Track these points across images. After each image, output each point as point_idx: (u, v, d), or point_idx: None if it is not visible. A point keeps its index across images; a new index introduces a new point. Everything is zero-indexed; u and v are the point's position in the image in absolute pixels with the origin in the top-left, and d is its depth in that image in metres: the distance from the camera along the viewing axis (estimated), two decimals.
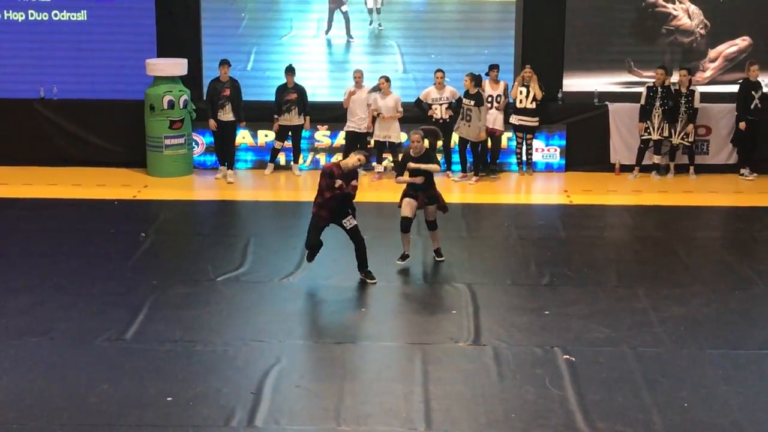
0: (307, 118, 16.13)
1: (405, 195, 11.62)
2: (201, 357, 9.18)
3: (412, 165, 11.42)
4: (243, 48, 16.98)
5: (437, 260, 11.83)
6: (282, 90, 16.07)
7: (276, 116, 16.08)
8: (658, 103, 15.96)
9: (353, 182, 10.92)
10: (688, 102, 15.92)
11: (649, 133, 16.09)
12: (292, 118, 16.07)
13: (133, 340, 9.57)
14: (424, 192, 11.53)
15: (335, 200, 10.85)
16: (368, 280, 11.09)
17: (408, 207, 11.52)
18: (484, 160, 16.20)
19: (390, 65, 16.96)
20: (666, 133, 16.06)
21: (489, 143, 16.17)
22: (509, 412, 8.22)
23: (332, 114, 16.54)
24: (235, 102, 15.89)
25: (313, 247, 11.19)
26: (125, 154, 16.64)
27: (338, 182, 10.74)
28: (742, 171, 16.10)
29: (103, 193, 15.09)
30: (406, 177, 11.52)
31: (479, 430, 7.97)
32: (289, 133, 16.22)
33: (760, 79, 15.91)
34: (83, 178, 15.95)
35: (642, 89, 16.18)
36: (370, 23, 16.98)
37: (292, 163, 16.43)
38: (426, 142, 11.73)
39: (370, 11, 16.99)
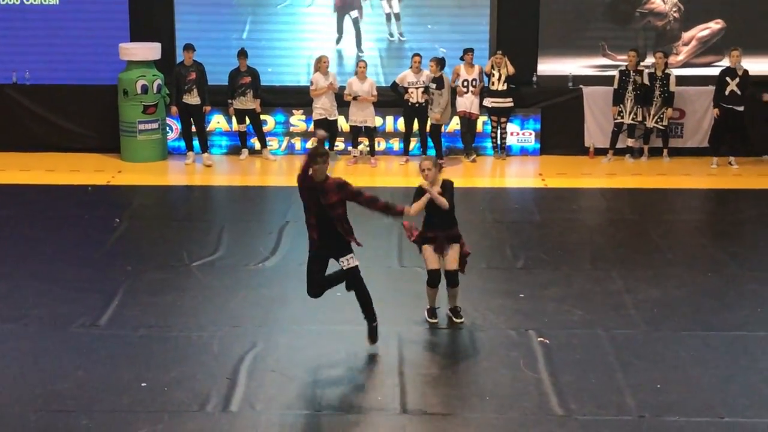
0: (258, 100, 16.06)
1: (423, 240, 9.67)
2: (176, 342, 9.16)
3: (426, 197, 9.46)
4: (217, 32, 16.87)
5: (455, 321, 9.65)
6: (235, 74, 16.01)
7: (230, 100, 16.03)
8: (630, 87, 16.01)
9: (332, 198, 8.73)
10: (663, 85, 15.95)
11: (622, 117, 16.14)
12: (247, 102, 16.01)
13: (107, 326, 9.54)
14: (444, 231, 9.63)
15: (321, 220, 8.79)
16: (370, 341, 9.02)
17: (433, 257, 9.56)
18: (469, 140, 16.20)
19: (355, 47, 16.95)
20: (639, 117, 16.10)
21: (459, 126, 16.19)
22: (484, 395, 8.26)
23: (306, 98, 16.47)
24: (200, 86, 15.83)
25: (315, 294, 9.06)
26: (99, 139, 16.55)
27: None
28: (730, 160, 16.02)
29: (76, 178, 15.00)
30: (418, 204, 9.45)
31: (454, 412, 8.00)
32: (247, 119, 16.16)
33: (742, 63, 15.82)
34: (56, 163, 15.86)
35: (615, 72, 16.22)
36: (391, 35, 16.95)
37: (262, 149, 16.35)
38: (437, 176, 9.61)
39: (388, 17, 16.93)
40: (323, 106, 15.85)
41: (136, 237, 12.43)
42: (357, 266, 8.91)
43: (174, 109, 15.87)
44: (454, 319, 9.58)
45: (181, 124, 16.13)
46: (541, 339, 9.26)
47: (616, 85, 16.12)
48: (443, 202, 9.43)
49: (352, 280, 8.91)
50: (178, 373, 8.50)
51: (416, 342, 9.14)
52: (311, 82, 15.93)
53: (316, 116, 15.90)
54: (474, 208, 13.74)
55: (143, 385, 8.33)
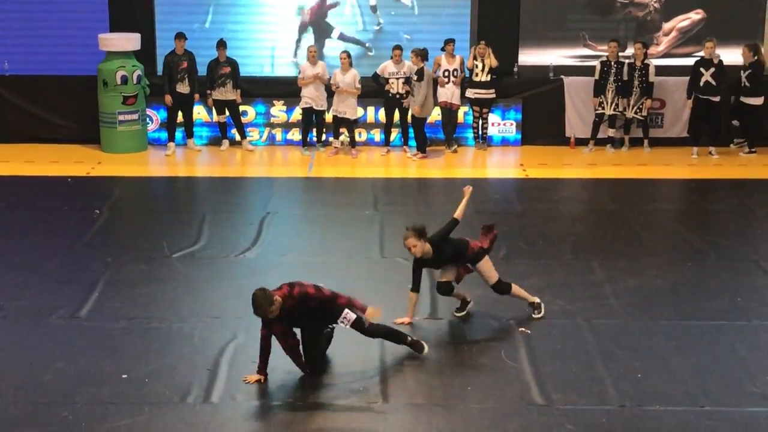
0: (238, 91, 16.02)
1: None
2: (156, 334, 9.13)
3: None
4: (200, 23, 16.81)
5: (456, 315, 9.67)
6: (214, 65, 15.96)
7: (209, 91, 15.98)
8: (611, 78, 16.03)
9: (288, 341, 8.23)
10: (642, 76, 15.98)
11: (603, 108, 16.17)
12: (226, 93, 15.96)
13: (87, 318, 9.51)
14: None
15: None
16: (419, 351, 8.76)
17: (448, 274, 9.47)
18: (450, 131, 16.19)
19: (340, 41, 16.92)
20: (620, 108, 16.13)
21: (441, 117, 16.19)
22: (465, 385, 8.27)
23: (288, 89, 16.45)
24: (192, 75, 15.82)
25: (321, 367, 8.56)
26: (78, 130, 16.46)
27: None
28: (710, 150, 16.05)
29: (56, 170, 14.92)
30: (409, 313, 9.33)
31: (436, 402, 8.01)
32: (226, 110, 16.11)
33: (717, 53, 15.87)
34: (36, 154, 15.77)
35: (596, 63, 16.24)
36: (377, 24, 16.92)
37: (241, 140, 16.29)
38: (424, 246, 9.14)
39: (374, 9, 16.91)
40: (310, 95, 15.84)
41: (117, 228, 12.38)
42: (357, 318, 8.41)
43: (168, 98, 15.81)
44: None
45: (169, 113, 16.05)
46: (522, 329, 9.28)
47: (597, 76, 16.14)
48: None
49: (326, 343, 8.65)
50: (159, 365, 8.48)
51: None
52: (299, 71, 15.93)
53: (302, 104, 15.91)
54: (455, 199, 13.68)
55: (124, 376, 8.30)
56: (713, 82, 15.67)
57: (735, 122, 16.24)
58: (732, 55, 16.13)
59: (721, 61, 15.73)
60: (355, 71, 15.84)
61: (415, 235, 9.03)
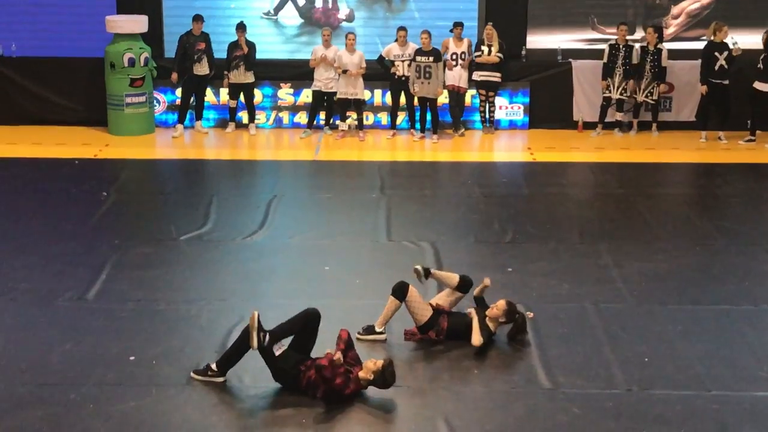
0: (250, 72, 15.99)
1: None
2: (164, 316, 9.15)
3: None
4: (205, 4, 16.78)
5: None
6: (233, 47, 15.94)
7: (226, 72, 15.96)
8: (620, 61, 15.98)
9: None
10: (654, 60, 15.91)
11: (611, 91, 16.12)
12: (240, 75, 15.93)
13: (95, 300, 9.52)
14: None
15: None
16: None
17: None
18: (457, 114, 16.18)
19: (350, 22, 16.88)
20: (628, 92, 16.07)
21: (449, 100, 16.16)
22: (471, 368, 8.27)
23: (295, 72, 16.43)
24: (209, 56, 15.82)
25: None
26: (86, 112, 16.46)
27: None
28: (720, 135, 15.97)
29: (63, 152, 14.94)
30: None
31: (441, 385, 8.01)
32: (241, 94, 16.09)
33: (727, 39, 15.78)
34: (43, 136, 15.78)
35: (605, 46, 16.18)
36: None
37: (248, 123, 16.28)
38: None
39: None
40: (319, 78, 15.84)
41: (124, 211, 12.39)
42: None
43: (174, 75, 15.79)
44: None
45: (184, 94, 16.03)
46: (529, 313, 9.27)
47: (605, 59, 16.08)
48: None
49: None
50: (166, 347, 8.50)
51: (404, 316, 9.11)
52: (312, 53, 15.91)
53: (312, 87, 15.90)
54: (462, 183, 13.74)
55: (131, 358, 8.32)
56: (726, 66, 15.60)
57: None
58: (740, 38, 15.99)
59: (730, 45, 15.66)
60: (360, 52, 15.80)
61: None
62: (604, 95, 16.17)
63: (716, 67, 15.62)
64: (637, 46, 16.03)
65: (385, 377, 7.64)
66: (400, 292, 8.69)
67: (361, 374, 7.69)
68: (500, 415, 7.58)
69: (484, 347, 8.52)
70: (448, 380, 8.10)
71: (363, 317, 8.96)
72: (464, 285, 8.94)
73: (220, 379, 7.96)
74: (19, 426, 7.31)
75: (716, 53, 15.64)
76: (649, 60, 15.93)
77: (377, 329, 8.76)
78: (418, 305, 8.68)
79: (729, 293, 9.86)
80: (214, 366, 7.99)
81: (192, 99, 16.07)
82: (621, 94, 16.10)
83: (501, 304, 8.71)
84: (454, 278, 8.97)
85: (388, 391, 7.81)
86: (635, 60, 15.93)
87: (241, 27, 15.86)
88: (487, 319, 8.68)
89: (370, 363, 7.70)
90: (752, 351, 8.63)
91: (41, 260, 10.50)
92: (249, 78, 15.99)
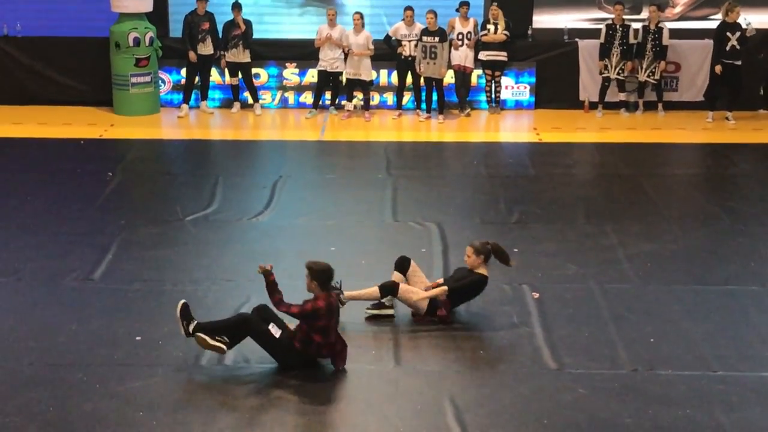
0: (247, 51, 15.95)
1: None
2: (170, 297, 9.15)
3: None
4: None
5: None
6: (229, 26, 15.90)
7: (222, 53, 15.92)
8: (617, 42, 15.91)
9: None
10: (655, 39, 15.85)
11: (608, 71, 16.07)
12: (239, 54, 15.90)
13: (101, 280, 9.54)
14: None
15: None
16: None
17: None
18: (463, 94, 16.14)
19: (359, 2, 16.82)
20: (626, 72, 16.01)
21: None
22: (477, 349, 8.29)
23: (300, 51, 16.40)
24: (213, 35, 15.79)
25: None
26: (91, 92, 16.44)
27: None
28: (727, 116, 15.92)
29: (69, 132, 14.93)
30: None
31: (447, 366, 8.04)
32: (239, 73, 16.05)
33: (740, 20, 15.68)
34: (49, 116, 15.77)
35: (602, 26, 16.10)
36: None
37: (253, 103, 16.25)
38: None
39: None
40: (324, 58, 15.80)
41: (130, 191, 12.40)
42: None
43: (192, 54, 15.75)
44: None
45: (188, 75, 16.00)
46: (535, 293, 9.28)
47: (602, 40, 16.03)
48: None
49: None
50: (173, 327, 8.48)
51: (410, 297, 9.11)
52: (317, 33, 15.87)
53: (318, 67, 15.87)
54: (468, 163, 13.72)
55: (137, 338, 8.35)
56: (738, 47, 15.52)
57: None
58: (750, 17, 15.91)
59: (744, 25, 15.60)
60: (367, 32, 15.75)
61: (476, 250, 8.76)
62: (603, 75, 16.12)
63: (728, 48, 15.54)
64: (634, 25, 15.94)
65: None
66: (401, 266, 8.86)
67: None
68: (506, 395, 7.60)
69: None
70: (454, 360, 8.12)
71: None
72: (386, 291, 8.76)
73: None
74: (26, 405, 7.35)
75: (728, 33, 15.55)
76: (650, 39, 15.87)
77: (386, 303, 8.82)
78: (414, 291, 8.72)
79: (735, 274, 9.86)
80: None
81: (197, 79, 16.04)
82: (619, 74, 16.04)
83: (468, 251, 8.78)
84: (374, 292, 8.76)
85: (394, 371, 7.84)
86: (632, 40, 15.87)
87: (237, 6, 15.82)
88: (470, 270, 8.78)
89: None
90: (758, 331, 8.64)
91: (47, 240, 10.52)
92: (246, 57, 15.95)
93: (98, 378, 7.73)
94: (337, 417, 7.37)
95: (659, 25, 15.86)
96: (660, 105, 16.25)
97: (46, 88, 16.47)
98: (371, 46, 15.70)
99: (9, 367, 7.88)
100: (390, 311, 8.82)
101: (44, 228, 10.89)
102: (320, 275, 7.88)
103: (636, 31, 15.90)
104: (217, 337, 7.87)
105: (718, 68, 15.67)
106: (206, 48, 15.84)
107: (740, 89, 15.73)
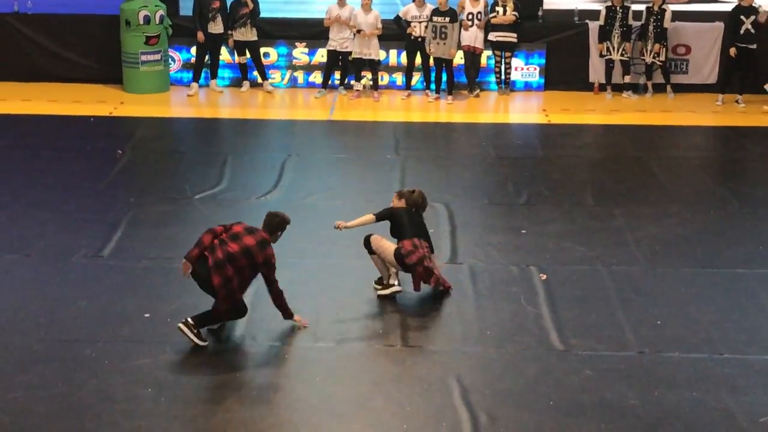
0: (254, 29, 15.92)
1: (404, 267, 8.81)
2: (178, 274, 9.15)
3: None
4: None
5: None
6: (236, 4, 15.86)
7: (230, 32, 15.89)
8: (617, 23, 15.85)
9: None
10: (657, 21, 15.79)
11: (610, 54, 16.02)
12: (246, 33, 15.87)
13: (110, 257, 9.58)
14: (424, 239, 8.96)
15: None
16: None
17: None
18: (473, 75, 16.10)
19: None
20: (628, 54, 15.95)
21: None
22: (484, 330, 8.31)
23: (309, 31, 16.36)
24: (224, 14, 15.75)
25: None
26: (101, 70, 16.44)
27: None
28: (737, 99, 15.85)
29: (79, 109, 14.94)
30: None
31: (455, 347, 8.06)
32: (247, 51, 16.02)
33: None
34: (59, 93, 15.78)
35: (601, 8, 16.03)
36: None
37: (262, 82, 16.23)
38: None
39: None
40: (333, 37, 15.75)
41: (139, 169, 12.42)
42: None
43: (200, 34, 15.73)
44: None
45: (198, 53, 15.99)
46: (542, 275, 9.29)
47: (602, 22, 15.97)
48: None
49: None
50: (181, 304, 8.55)
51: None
52: (327, 12, 15.83)
53: (327, 46, 15.83)
54: (477, 144, 13.71)
55: (146, 315, 8.39)
56: (752, 30, 15.44)
57: None
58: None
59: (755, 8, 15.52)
60: (376, 11, 15.71)
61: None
62: (605, 57, 16.07)
63: (742, 31, 15.47)
64: (634, 6, 15.84)
65: None
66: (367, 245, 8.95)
67: None
68: (512, 376, 7.62)
69: None
70: (461, 341, 8.14)
71: (376, 277, 9.00)
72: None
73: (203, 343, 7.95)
74: (35, 381, 7.40)
75: (742, 17, 15.48)
76: (652, 20, 15.81)
77: (392, 282, 8.85)
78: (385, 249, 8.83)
79: (743, 257, 9.85)
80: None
81: (207, 58, 16.03)
82: (622, 55, 15.99)
83: (393, 199, 9.15)
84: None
85: (401, 351, 7.87)
86: (631, 21, 15.81)
87: None
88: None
89: None
90: (765, 314, 8.64)
91: (57, 217, 10.56)
92: (253, 35, 15.92)
93: (107, 354, 7.77)
94: (344, 396, 7.39)
95: (662, 6, 15.79)
96: (668, 87, 16.19)
97: (57, 65, 16.47)
98: (379, 26, 15.66)
99: (18, 342, 7.93)
100: (398, 289, 8.85)
101: (54, 205, 10.92)
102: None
103: (636, 13, 15.82)
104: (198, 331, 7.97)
105: (732, 51, 15.61)
106: (216, 27, 15.81)
107: (756, 73, 15.64)
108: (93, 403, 7.16)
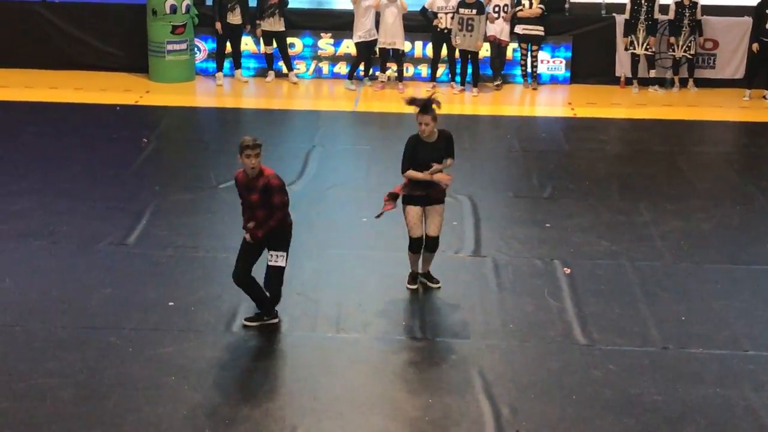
0: (282, 20, 15.91)
1: (407, 201, 8.82)
2: (202, 263, 9.23)
3: (434, 168, 8.86)
4: None
5: (430, 286, 8.97)
6: None
7: (258, 21, 15.90)
8: (642, 17, 15.75)
9: (253, 196, 8.30)
10: (691, 14, 15.69)
11: (634, 47, 15.93)
12: (275, 23, 15.86)
13: (135, 246, 9.62)
14: (432, 189, 8.82)
15: (252, 215, 8.29)
16: (248, 322, 8.20)
17: (416, 223, 8.74)
18: (498, 67, 16.05)
19: None
20: (652, 48, 15.85)
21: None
22: (507, 323, 8.30)
23: (335, 22, 16.35)
24: (243, 4, 15.75)
25: (240, 281, 8.11)
26: (127, 58, 16.49)
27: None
28: (765, 94, 15.74)
29: (105, 97, 15.00)
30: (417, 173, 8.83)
31: (477, 339, 8.05)
32: (274, 41, 16.02)
33: None
34: (85, 82, 15.84)
35: (626, 1, 15.93)
36: None
37: (287, 72, 16.23)
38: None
39: None
40: (360, 29, 15.68)
41: (164, 157, 12.47)
42: (282, 267, 8.07)
43: (218, 25, 15.75)
44: (429, 283, 8.92)
45: (218, 43, 16.02)
46: (566, 269, 9.26)
47: (627, 15, 15.87)
48: (445, 180, 8.76)
49: (272, 279, 8.08)
50: (205, 293, 8.59)
51: (442, 269, 9.14)
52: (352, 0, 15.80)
53: (356, 39, 15.76)
54: (501, 137, 13.68)
55: (171, 304, 8.42)
56: None
57: None
58: None
59: None
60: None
61: (434, 117, 9.02)
62: (630, 51, 15.97)
63: (767, 26, 15.36)
64: (660, 0, 15.74)
65: None
66: None
67: None
68: (535, 369, 7.61)
69: None
70: (484, 334, 8.14)
71: (400, 269, 9.00)
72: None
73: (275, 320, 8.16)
74: (59, 367, 7.44)
75: (767, 11, 15.37)
76: (687, 14, 15.70)
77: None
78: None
79: None
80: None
81: (228, 48, 16.04)
82: (647, 49, 15.90)
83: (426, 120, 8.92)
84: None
85: (423, 342, 7.87)
86: (657, 15, 15.71)
87: None
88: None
89: None
90: None
91: (82, 205, 10.61)
92: (281, 26, 15.92)
93: (130, 342, 7.81)
94: (366, 387, 7.41)
95: (693, 0, 15.69)
96: (691, 81, 16.08)
97: (83, 53, 16.53)
98: (405, 4, 15.52)
99: (42, 329, 7.99)
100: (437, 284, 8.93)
101: (79, 192, 10.98)
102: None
103: (662, 6, 15.71)
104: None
105: (755, 46, 15.51)
106: (235, 17, 15.79)
107: None
108: (116, 390, 7.20)
